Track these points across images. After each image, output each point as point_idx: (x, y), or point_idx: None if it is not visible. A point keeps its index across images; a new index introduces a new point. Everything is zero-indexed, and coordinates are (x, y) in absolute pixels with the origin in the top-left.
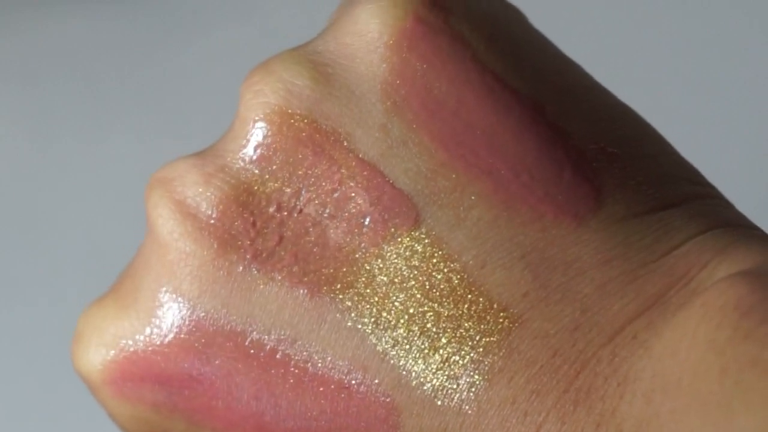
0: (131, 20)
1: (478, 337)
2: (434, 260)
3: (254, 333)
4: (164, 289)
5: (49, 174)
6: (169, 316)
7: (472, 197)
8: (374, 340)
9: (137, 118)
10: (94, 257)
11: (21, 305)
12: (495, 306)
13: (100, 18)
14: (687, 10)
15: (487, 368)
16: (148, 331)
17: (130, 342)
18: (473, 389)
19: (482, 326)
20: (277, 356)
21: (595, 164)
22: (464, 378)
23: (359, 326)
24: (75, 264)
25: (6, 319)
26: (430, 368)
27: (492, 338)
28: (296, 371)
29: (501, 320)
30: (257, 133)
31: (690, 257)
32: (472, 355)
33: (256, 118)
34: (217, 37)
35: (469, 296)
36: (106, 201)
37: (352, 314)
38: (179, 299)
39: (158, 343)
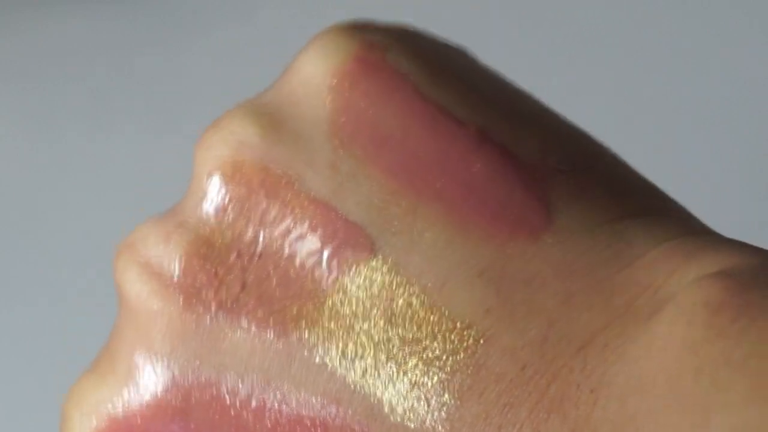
0: (131, 20)
1: (444, 357)
2: (393, 286)
3: (228, 382)
4: (138, 351)
5: (49, 174)
6: (145, 376)
7: (425, 221)
8: (343, 372)
9: (137, 118)
10: (94, 257)
11: (21, 305)
12: (458, 324)
13: (100, 18)
14: (686, 10)
15: (456, 387)
16: (125, 394)
17: (110, 407)
18: (444, 409)
19: (448, 346)
20: (253, 402)
21: (546, 181)
22: (434, 399)
23: (327, 361)
24: (75, 264)
25: (6, 319)
26: (400, 393)
27: (458, 356)
28: (272, 414)
29: (466, 338)
30: (211, 185)
31: (656, 265)
32: (440, 375)
33: (210, 172)
34: (217, 37)
35: (432, 317)
36: (107, 201)
37: (319, 350)
38: (153, 358)
39: (137, 404)
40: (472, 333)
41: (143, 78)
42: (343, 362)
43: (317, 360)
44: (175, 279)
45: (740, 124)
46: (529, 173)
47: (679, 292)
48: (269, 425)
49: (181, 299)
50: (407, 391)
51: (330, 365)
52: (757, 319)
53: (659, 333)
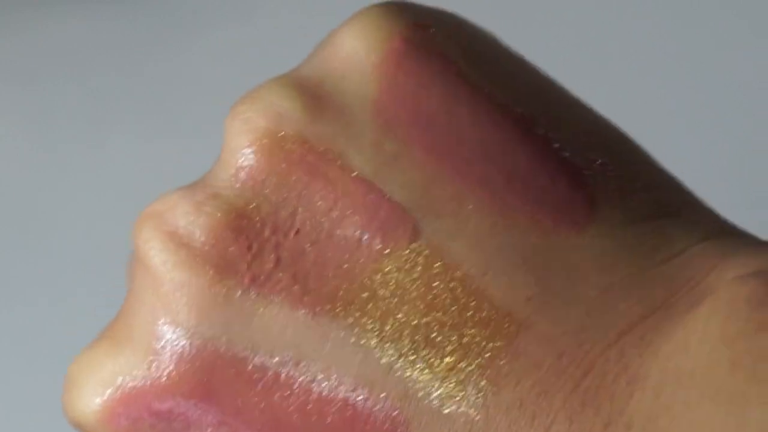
0: (131, 20)
1: (483, 343)
2: (435, 270)
3: (256, 358)
4: (161, 321)
5: (49, 174)
6: (168, 347)
7: (469, 206)
8: (378, 354)
9: (137, 118)
10: (95, 257)
11: (21, 305)
12: (499, 311)
13: (100, 18)
14: (683, 11)
15: (493, 373)
16: (146, 365)
17: (128, 378)
18: (480, 395)
19: (487, 332)
20: (281, 379)
21: (588, 173)
22: (471, 384)
23: (362, 342)
24: (75, 264)
25: (6, 319)
26: (436, 377)
27: (497, 343)
28: (300, 394)
29: (505, 325)
30: (247, 158)
31: (694, 263)
32: (478, 360)
33: (246, 143)
34: (217, 37)
35: (473, 303)
36: (106, 201)
37: (355, 330)
38: (177, 330)
39: (157, 376)
40: (512, 320)
41: (143, 78)
42: (379, 344)
43: (352, 341)
44: (206, 250)
45: (738, 125)
46: (572, 164)
47: (719, 287)
48: (296, 405)
49: (211, 271)
50: (444, 376)
51: (365, 346)
52: None
53: (698, 326)
